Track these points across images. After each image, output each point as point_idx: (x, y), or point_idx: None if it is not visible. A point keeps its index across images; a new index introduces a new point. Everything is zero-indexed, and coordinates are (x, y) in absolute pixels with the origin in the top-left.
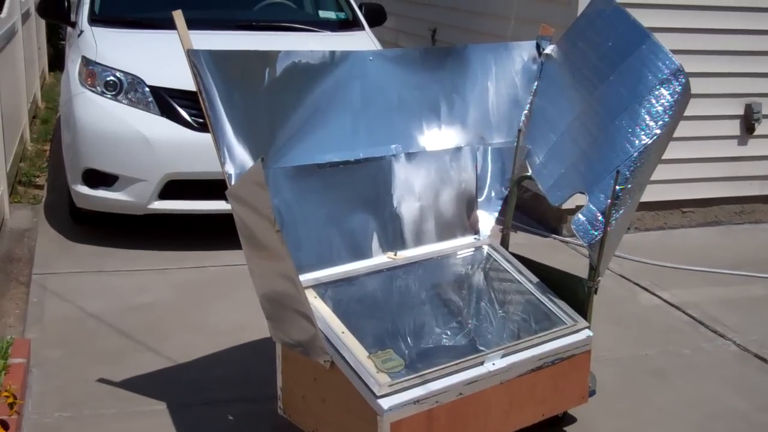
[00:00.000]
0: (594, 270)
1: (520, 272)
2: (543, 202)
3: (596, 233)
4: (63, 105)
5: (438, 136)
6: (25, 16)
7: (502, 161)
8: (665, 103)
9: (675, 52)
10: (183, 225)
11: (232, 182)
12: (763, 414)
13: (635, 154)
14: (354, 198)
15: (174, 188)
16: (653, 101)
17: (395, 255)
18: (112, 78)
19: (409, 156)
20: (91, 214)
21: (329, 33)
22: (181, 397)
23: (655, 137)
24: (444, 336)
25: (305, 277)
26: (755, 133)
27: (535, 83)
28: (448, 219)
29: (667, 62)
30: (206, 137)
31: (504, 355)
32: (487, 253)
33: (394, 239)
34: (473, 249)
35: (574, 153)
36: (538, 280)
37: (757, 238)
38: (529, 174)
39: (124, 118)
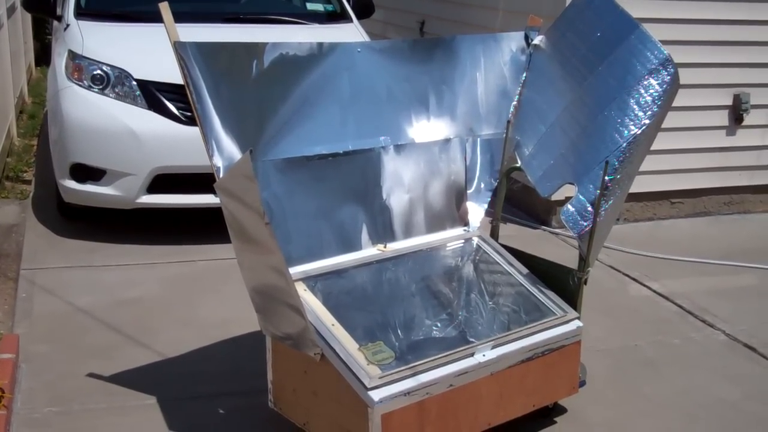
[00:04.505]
0: (584, 261)
1: (510, 264)
2: (532, 193)
3: (585, 224)
4: (50, 99)
5: (427, 128)
6: (11, 11)
7: (492, 153)
8: (654, 94)
9: (664, 42)
10: (171, 219)
11: (221, 175)
12: (753, 403)
13: (624, 145)
14: (343, 190)
15: (162, 182)
16: (642, 91)
17: (385, 247)
18: (98, 72)
19: (398, 148)
20: (79, 208)
21: (317, 25)
22: (172, 391)
23: (643, 127)
24: (434, 328)
25: (295, 270)
26: (744, 123)
27: (524, 74)
28: (437, 211)
29: (656, 52)
30: (194, 130)
31: (494, 347)
32: (477, 244)
33: (383, 231)
34: (463, 241)
35: (563, 144)
36: (527, 271)
37: (746, 229)
38: (518, 165)
39: (111, 112)
